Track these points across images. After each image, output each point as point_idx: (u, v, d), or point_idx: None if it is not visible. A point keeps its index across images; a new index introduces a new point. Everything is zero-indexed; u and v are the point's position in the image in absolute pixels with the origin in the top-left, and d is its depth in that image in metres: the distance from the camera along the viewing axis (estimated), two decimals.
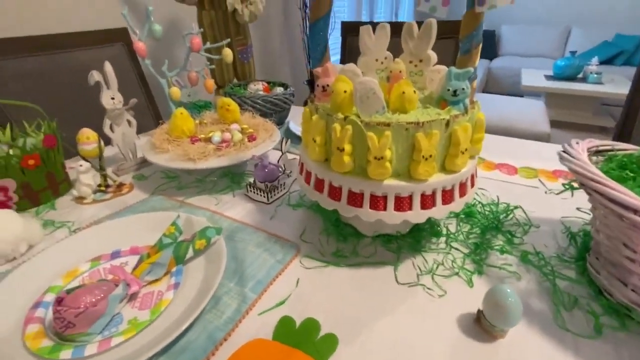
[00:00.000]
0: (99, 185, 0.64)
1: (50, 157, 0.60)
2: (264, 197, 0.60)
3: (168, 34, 1.39)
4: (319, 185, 0.43)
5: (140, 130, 0.97)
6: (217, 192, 0.64)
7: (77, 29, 1.00)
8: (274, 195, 0.61)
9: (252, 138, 0.67)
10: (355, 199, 0.40)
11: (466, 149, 0.38)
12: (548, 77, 2.97)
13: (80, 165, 0.60)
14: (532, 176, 0.67)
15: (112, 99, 0.67)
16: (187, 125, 0.66)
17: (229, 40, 0.81)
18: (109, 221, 0.52)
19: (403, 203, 0.38)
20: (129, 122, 0.71)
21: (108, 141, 0.69)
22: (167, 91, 0.82)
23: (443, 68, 0.46)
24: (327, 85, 0.43)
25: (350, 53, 1.27)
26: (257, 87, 0.93)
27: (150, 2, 1.25)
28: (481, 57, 0.36)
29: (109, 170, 0.69)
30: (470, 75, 0.38)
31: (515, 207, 0.54)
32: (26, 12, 1.01)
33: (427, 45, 0.47)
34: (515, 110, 2.13)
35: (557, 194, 0.46)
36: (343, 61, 1.31)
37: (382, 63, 0.50)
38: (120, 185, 0.66)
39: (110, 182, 0.66)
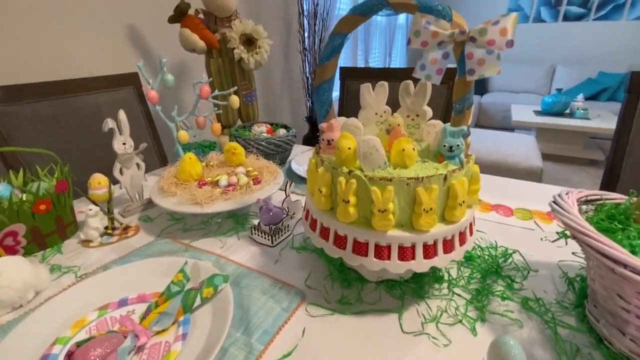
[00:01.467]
0: (106, 228, 0.66)
1: (61, 202, 0.62)
2: (269, 240, 0.61)
3: (177, 78, 1.47)
4: (325, 233, 0.45)
5: (147, 169, 1.01)
6: (222, 235, 0.65)
7: (90, 74, 1.06)
8: (278, 237, 0.62)
9: (257, 181, 0.70)
10: (360, 248, 0.41)
11: (464, 201, 0.40)
12: (537, 113, 3.09)
13: (90, 210, 0.62)
14: (527, 218, 0.69)
15: (124, 144, 0.70)
16: (195, 170, 0.69)
17: (235, 88, 0.86)
18: (116, 267, 0.53)
19: (406, 253, 0.40)
20: (137, 165, 0.74)
21: (114, 182, 0.71)
22: (175, 135, 0.85)
23: (438, 123, 0.49)
24: (332, 140, 0.46)
25: (348, 94, 1.33)
26: (261, 130, 0.98)
27: (161, 49, 1.34)
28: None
29: (116, 212, 0.71)
30: (464, 133, 0.42)
31: (514, 252, 0.55)
32: (42, 60, 1.07)
33: (422, 102, 0.51)
34: (507, 145, 2.20)
35: (552, 241, 0.48)
36: (342, 100, 1.37)
37: (381, 116, 0.54)
38: (126, 228, 0.67)
39: (117, 224, 0.67)
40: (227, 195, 0.64)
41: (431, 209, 0.38)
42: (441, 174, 0.39)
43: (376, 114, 0.54)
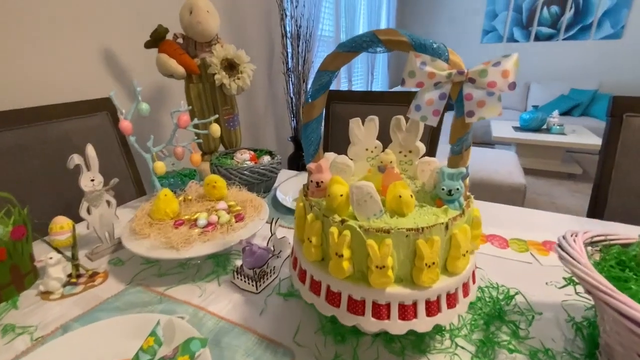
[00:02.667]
0: (69, 276, 0.59)
1: (18, 249, 0.55)
2: (253, 285, 0.56)
3: (157, 104, 1.41)
4: (316, 287, 0.40)
5: (121, 197, 0.93)
6: (202, 280, 0.59)
7: (58, 100, 0.99)
8: (264, 282, 0.57)
9: (239, 218, 0.65)
10: (356, 307, 0.37)
11: (467, 251, 0.37)
12: (516, 129, 3.18)
13: (50, 258, 0.55)
14: (523, 250, 0.67)
15: (92, 180, 0.64)
16: (171, 207, 0.63)
17: (217, 116, 0.82)
18: (78, 328, 0.46)
19: (407, 311, 0.36)
20: (108, 202, 0.68)
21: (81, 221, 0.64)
22: (151, 166, 0.80)
23: (433, 161, 0.47)
24: (321, 182, 0.42)
25: (333, 118, 1.31)
26: (244, 157, 0.93)
27: (138, 74, 1.28)
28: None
29: (83, 254, 0.64)
30: (463, 175, 0.39)
31: (516, 293, 0.52)
32: (4, 85, 1.00)
33: (415, 137, 0.48)
34: (490, 162, 2.23)
35: (560, 287, 0.45)
36: (327, 123, 1.35)
37: (372, 152, 0.51)
38: (93, 275, 0.60)
39: (82, 271, 0.60)
40: (206, 236, 0.59)
41: (433, 263, 0.35)
42: (442, 222, 0.36)
43: (366, 149, 0.51)
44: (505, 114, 3.99)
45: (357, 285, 0.37)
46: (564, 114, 3.72)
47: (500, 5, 4.25)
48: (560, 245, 0.40)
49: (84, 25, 1.11)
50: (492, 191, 1.98)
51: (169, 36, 0.96)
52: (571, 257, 0.37)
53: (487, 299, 0.52)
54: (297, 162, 2.13)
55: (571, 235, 0.42)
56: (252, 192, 0.84)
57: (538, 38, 4.19)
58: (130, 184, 1.15)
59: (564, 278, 0.43)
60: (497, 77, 0.32)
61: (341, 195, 0.37)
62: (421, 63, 0.33)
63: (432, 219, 0.36)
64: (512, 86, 0.32)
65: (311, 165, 0.43)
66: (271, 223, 0.62)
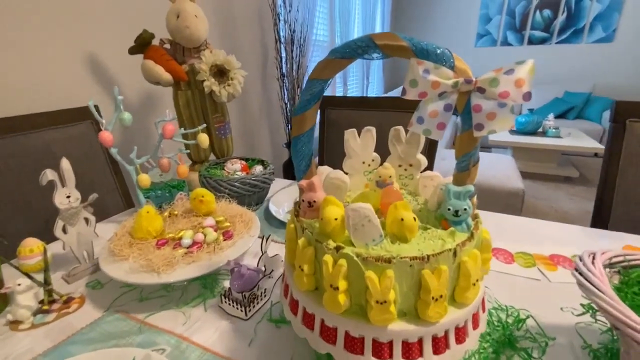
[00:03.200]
0: (42, 302, 0.54)
1: None
2: (241, 311, 0.51)
3: (145, 112, 1.36)
4: (309, 320, 0.36)
5: (107, 211, 0.89)
6: (186, 304, 0.54)
7: (39, 109, 0.94)
8: (254, 307, 0.52)
9: (228, 235, 0.60)
10: (354, 345, 0.33)
11: (477, 280, 0.33)
12: (512, 132, 3.17)
13: (19, 285, 0.50)
14: (530, 264, 0.63)
15: (68, 197, 0.59)
16: (153, 226, 0.59)
17: (204, 125, 0.78)
18: None
19: (412, 350, 0.32)
20: (86, 220, 0.63)
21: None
22: (134, 179, 0.75)
23: (436, 175, 0.43)
24: (314, 202, 0.38)
25: (328, 125, 1.28)
26: (235, 167, 0.89)
27: (125, 82, 1.24)
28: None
29: (59, 277, 0.59)
30: (471, 194, 0.35)
31: (527, 317, 0.48)
32: None
33: (415, 150, 0.45)
34: (487, 166, 2.20)
35: (578, 315, 0.41)
36: (322, 128, 1.32)
37: (369, 165, 0.47)
38: (68, 301, 0.55)
39: (56, 296, 0.56)
40: (191, 257, 0.54)
41: (441, 296, 0.31)
42: (450, 249, 0.32)
43: (363, 162, 0.47)
44: None
45: (356, 320, 0.33)
46: (558, 116, 3.72)
47: (494, 9, 4.27)
48: (578, 270, 0.36)
49: (67, 30, 1.06)
50: (490, 197, 1.95)
51: (156, 42, 0.92)
52: (592, 284, 0.33)
53: (496, 323, 0.48)
54: (292, 169, 2.08)
55: (589, 256, 0.38)
56: (243, 205, 0.80)
57: (531, 42, 4.21)
58: (117, 196, 1.10)
59: (583, 305, 0.39)
60: (509, 86, 0.28)
61: (336, 219, 0.33)
62: (424, 71, 0.29)
63: (439, 244, 0.32)
64: (528, 96, 0.28)
65: (302, 183, 0.39)
66: (262, 240, 0.58)
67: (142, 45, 0.87)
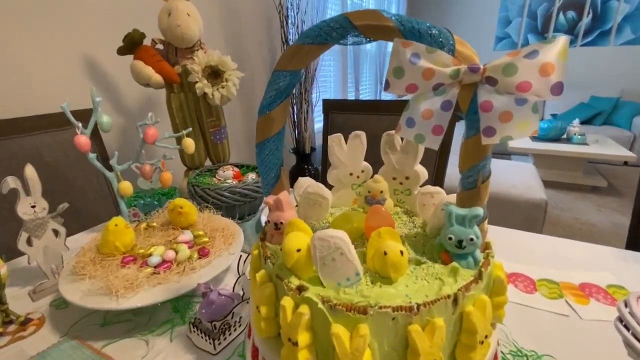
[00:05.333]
0: None
1: None
2: (210, 343, 0.44)
3: (140, 116, 1.33)
4: None
5: (99, 218, 0.85)
6: (151, 332, 0.48)
7: (27, 112, 0.91)
8: (225, 339, 0.45)
9: (203, 253, 0.54)
10: None
11: (486, 336, 0.25)
12: (533, 139, 3.00)
13: None
14: (556, 295, 0.53)
15: (33, 207, 0.54)
16: (122, 240, 0.52)
17: (190, 130, 0.72)
18: None
19: None
20: (55, 231, 0.58)
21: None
22: (115, 186, 0.70)
23: (437, 192, 0.35)
24: (281, 223, 0.31)
25: (332, 128, 1.20)
26: (226, 174, 0.83)
27: (122, 84, 1.21)
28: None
29: (25, 292, 0.54)
30: (479, 219, 0.27)
31: None
32: None
33: (413, 161, 0.37)
34: (507, 175, 2.07)
35: None
36: (326, 134, 1.24)
37: (358, 177, 0.39)
38: (25, 322, 0.50)
39: (13, 317, 0.50)
40: (157, 278, 0.48)
41: None
42: (447, 295, 0.23)
43: (351, 174, 0.40)
44: None
45: None
46: (584, 122, 3.51)
47: (514, 11, 4.11)
48: (624, 321, 0.27)
49: (60, 32, 1.04)
50: (509, 208, 1.82)
51: (147, 42, 0.88)
52: None
53: None
54: (299, 176, 2.02)
55: (637, 301, 0.29)
56: (232, 216, 0.73)
57: None
58: (110, 203, 1.06)
59: None
60: (532, 74, 0.20)
61: (299, 250, 0.25)
62: (412, 55, 0.21)
63: (434, 287, 0.24)
64: (558, 89, 0.20)
65: (269, 199, 0.32)
66: (239, 261, 0.51)
67: (131, 45, 0.83)
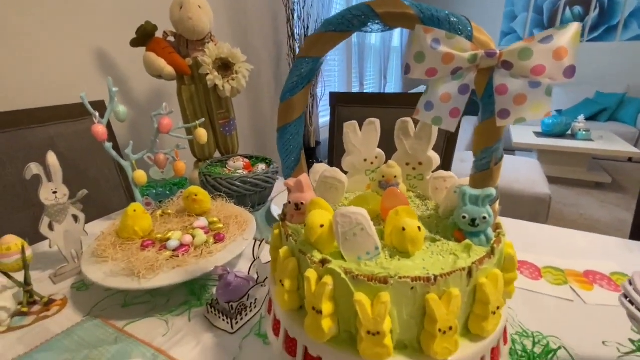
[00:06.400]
0: (20, 304, 0.51)
1: None
2: (228, 323, 0.46)
3: (152, 106, 1.35)
4: (290, 346, 0.30)
5: (111, 207, 0.87)
6: (170, 312, 0.50)
7: (45, 104, 0.93)
8: (241, 319, 0.47)
9: (219, 238, 0.55)
10: None
11: (498, 307, 0.26)
12: (538, 134, 3.00)
13: None
14: (561, 282, 0.55)
15: (54, 192, 0.56)
16: (141, 225, 0.54)
17: (203, 120, 0.74)
18: None
19: None
20: (75, 217, 0.60)
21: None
22: (130, 175, 0.72)
23: (450, 176, 0.36)
24: (302, 204, 0.33)
25: (339, 121, 1.21)
26: (237, 165, 0.84)
27: (135, 75, 1.22)
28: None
29: (46, 275, 0.56)
30: (492, 199, 0.28)
31: (558, 348, 0.40)
32: (3, 88, 0.95)
33: (426, 146, 0.38)
34: (511, 170, 2.07)
35: (625, 354, 0.33)
36: (332, 127, 1.26)
37: (372, 163, 0.41)
38: (49, 303, 0.52)
39: (37, 298, 0.52)
40: (176, 261, 0.50)
41: (451, 328, 0.24)
42: (462, 268, 0.25)
43: (365, 160, 0.41)
44: None
45: (344, 351, 0.27)
46: (589, 118, 3.50)
47: (520, 6, 4.08)
48: (629, 297, 0.29)
49: (74, 24, 1.05)
50: (513, 203, 1.83)
51: (159, 34, 0.89)
52: None
53: (520, 353, 0.40)
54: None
55: None
56: (244, 205, 0.75)
57: None
58: (122, 192, 1.09)
59: (632, 340, 0.31)
60: (546, 58, 0.21)
61: (322, 226, 0.27)
62: (433, 41, 0.23)
63: (449, 261, 0.26)
64: (571, 72, 0.21)
65: (289, 182, 0.34)
66: (254, 245, 0.53)
67: (144, 37, 0.84)
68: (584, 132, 2.79)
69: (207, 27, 0.87)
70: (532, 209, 1.81)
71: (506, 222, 0.74)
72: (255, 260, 0.52)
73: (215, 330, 0.47)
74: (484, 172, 0.29)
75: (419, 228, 0.26)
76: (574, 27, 0.21)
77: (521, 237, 0.69)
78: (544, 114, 0.23)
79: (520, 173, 2.02)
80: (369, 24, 0.27)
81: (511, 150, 3.40)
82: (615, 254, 0.62)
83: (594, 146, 2.66)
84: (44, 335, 0.47)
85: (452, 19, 0.24)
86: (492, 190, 0.28)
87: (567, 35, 0.21)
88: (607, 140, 2.78)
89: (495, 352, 0.29)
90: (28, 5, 0.96)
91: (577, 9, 3.85)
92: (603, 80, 3.80)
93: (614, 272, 0.57)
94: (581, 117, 2.92)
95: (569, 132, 2.93)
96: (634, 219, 0.82)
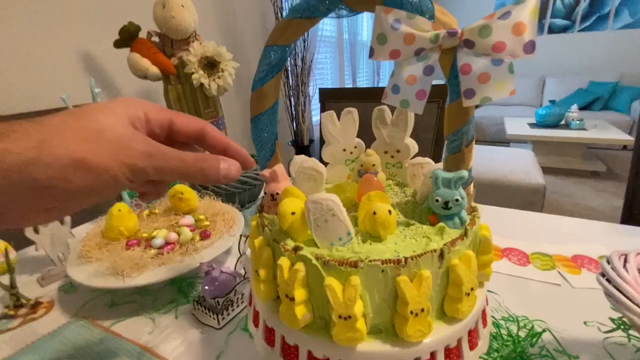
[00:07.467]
0: (7, 307, 0.51)
1: None
2: (214, 319, 0.46)
3: None
4: (269, 335, 0.30)
5: (99, 211, 0.87)
6: (157, 311, 0.50)
7: (30, 109, 0.92)
8: (228, 314, 0.47)
9: (205, 235, 0.55)
10: None
11: (472, 288, 0.26)
12: (532, 125, 3.01)
13: None
14: (549, 267, 0.55)
15: None
16: (126, 225, 0.54)
17: None
18: None
19: None
20: (60, 219, 0.59)
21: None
22: None
23: (427, 162, 0.36)
24: (277, 194, 0.32)
25: None
26: None
27: (123, 77, 1.22)
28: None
29: (33, 279, 0.56)
30: (465, 181, 0.28)
31: (543, 330, 0.40)
32: None
33: (403, 133, 0.38)
34: (505, 161, 2.08)
35: (607, 332, 0.33)
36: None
37: (351, 153, 0.41)
38: (35, 305, 0.52)
39: (23, 300, 0.52)
40: (161, 259, 0.50)
41: (422, 310, 0.24)
42: (434, 250, 0.25)
43: (344, 150, 0.41)
44: (520, 111, 3.80)
45: (319, 338, 0.26)
46: (583, 108, 3.51)
47: None
48: (605, 275, 0.29)
49: (60, 28, 1.05)
50: (508, 193, 1.83)
51: (143, 34, 0.89)
52: (624, 294, 0.26)
53: (505, 338, 0.40)
54: None
55: (619, 258, 0.31)
56: (231, 203, 0.75)
57: (552, 30, 4.01)
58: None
59: (612, 319, 0.31)
60: (505, 34, 0.21)
61: (293, 214, 0.27)
62: (394, 21, 0.23)
63: (421, 244, 0.26)
64: (530, 47, 0.21)
65: (265, 173, 0.34)
66: (239, 240, 0.52)
67: (127, 38, 0.84)
68: (578, 122, 2.80)
69: (191, 25, 0.87)
70: (527, 199, 1.82)
71: (495, 211, 0.75)
72: (241, 255, 0.52)
73: (202, 326, 0.46)
74: (456, 154, 0.28)
75: (389, 212, 0.26)
76: (532, 2, 0.21)
77: (511, 225, 0.69)
78: (508, 92, 0.23)
79: (515, 164, 2.03)
80: (334, 9, 0.27)
81: (506, 142, 3.41)
82: (604, 238, 0.62)
83: (588, 135, 2.67)
84: (30, 338, 0.46)
85: (413, 0, 0.24)
86: (464, 173, 0.28)
87: (526, 10, 0.21)
88: (601, 129, 2.79)
89: (472, 334, 0.29)
90: (8, 8, 0.95)
91: None
92: (596, 69, 3.81)
93: (602, 255, 0.57)
94: (574, 107, 2.93)
95: (563, 122, 2.94)
96: (624, 205, 0.82)
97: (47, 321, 0.50)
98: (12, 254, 0.51)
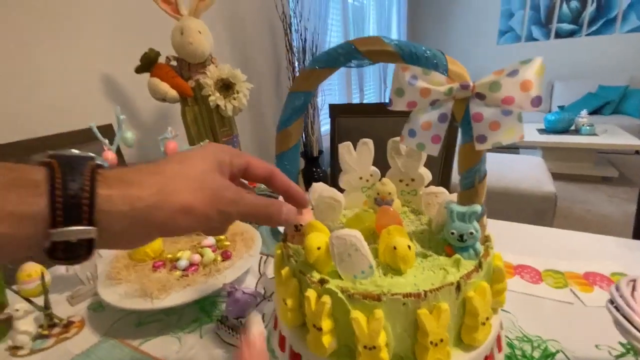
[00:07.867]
0: (41, 327, 0.53)
1: None
2: (237, 338, 0.48)
3: (158, 129, 1.39)
4: None
5: None
6: (182, 330, 0.52)
7: (51, 131, 0.97)
8: None
9: (226, 255, 0.58)
10: None
11: (487, 318, 0.28)
12: (541, 131, 2.99)
13: (17, 310, 0.50)
14: (561, 285, 0.56)
15: None
16: (152, 247, 0.57)
17: (207, 141, 0.76)
18: None
19: None
20: None
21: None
22: None
23: (441, 192, 0.38)
24: (301, 225, 0.35)
25: (339, 132, 1.24)
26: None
27: (142, 99, 1.27)
28: None
29: (63, 298, 0.59)
30: (478, 215, 0.30)
31: (557, 352, 0.42)
32: (15, 117, 1.00)
33: (418, 163, 0.40)
34: (514, 169, 2.07)
35: (617, 357, 0.35)
36: (333, 137, 1.28)
37: (367, 180, 0.43)
38: (68, 325, 0.55)
39: (56, 320, 0.55)
40: (186, 280, 0.52)
41: (441, 340, 0.26)
42: (451, 283, 0.27)
43: (361, 178, 0.43)
44: (528, 116, 3.77)
45: None
46: (593, 113, 3.47)
47: (516, 4, 4.10)
48: (614, 303, 0.30)
49: (81, 52, 1.10)
50: (518, 202, 1.83)
51: (162, 59, 0.93)
52: (633, 324, 0.27)
53: (519, 358, 0.42)
54: (307, 178, 2.06)
55: (628, 284, 0.32)
56: (249, 221, 0.78)
57: (559, 35, 4.00)
58: None
59: (621, 344, 0.33)
60: (514, 90, 0.24)
61: (319, 248, 0.29)
62: (411, 77, 0.25)
63: (439, 276, 0.28)
64: (537, 102, 0.23)
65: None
66: (260, 261, 0.55)
67: (148, 63, 0.88)
68: (588, 127, 2.77)
69: (207, 50, 0.91)
70: (538, 208, 1.81)
71: (507, 226, 0.76)
72: (261, 276, 0.55)
73: (226, 345, 0.49)
74: (469, 190, 0.31)
75: (409, 247, 0.28)
76: (538, 61, 0.23)
77: (522, 240, 0.70)
78: (517, 138, 0.25)
79: (525, 172, 2.02)
80: (354, 60, 0.30)
81: (515, 148, 3.39)
82: (616, 254, 0.63)
83: (598, 140, 2.64)
84: (64, 357, 0.49)
85: (427, 54, 0.26)
86: (478, 207, 0.30)
87: (532, 68, 0.23)
88: (612, 134, 2.76)
89: (489, 359, 0.30)
90: (34, 35, 1.01)
91: (574, 3, 3.86)
92: (605, 73, 3.78)
93: (614, 272, 0.58)
94: (584, 112, 2.91)
95: (573, 127, 2.91)
96: (636, 217, 0.83)
97: (79, 340, 0.53)
98: (47, 277, 0.54)
